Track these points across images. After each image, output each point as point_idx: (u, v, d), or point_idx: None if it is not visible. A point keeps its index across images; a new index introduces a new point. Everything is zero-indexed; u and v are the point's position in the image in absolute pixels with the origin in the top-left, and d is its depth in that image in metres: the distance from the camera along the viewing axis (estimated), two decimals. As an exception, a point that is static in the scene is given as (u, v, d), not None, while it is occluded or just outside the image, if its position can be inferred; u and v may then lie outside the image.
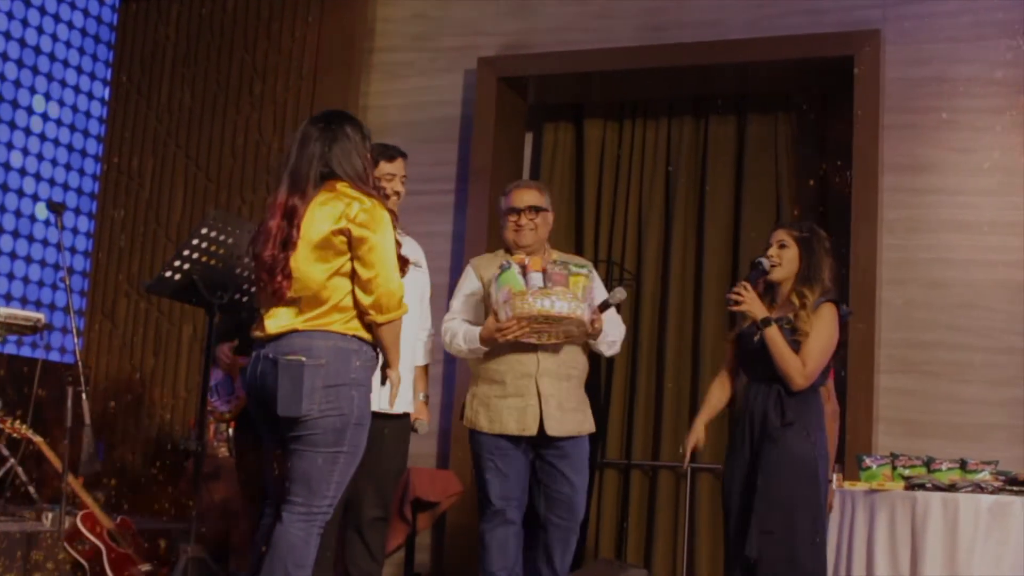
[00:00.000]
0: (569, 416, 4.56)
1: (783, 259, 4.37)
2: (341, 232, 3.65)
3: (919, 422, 5.82)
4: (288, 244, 3.67)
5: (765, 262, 4.39)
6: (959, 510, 4.53)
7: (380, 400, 4.25)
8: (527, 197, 4.73)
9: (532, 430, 4.51)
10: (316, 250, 3.68)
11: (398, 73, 7.17)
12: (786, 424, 4.19)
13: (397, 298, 3.70)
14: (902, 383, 5.90)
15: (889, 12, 6.16)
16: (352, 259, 3.68)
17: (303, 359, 3.62)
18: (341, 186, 3.72)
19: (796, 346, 4.24)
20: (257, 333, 3.79)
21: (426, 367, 4.90)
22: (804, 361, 4.21)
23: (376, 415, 4.47)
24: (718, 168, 6.98)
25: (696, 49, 6.49)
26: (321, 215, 3.67)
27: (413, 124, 6.99)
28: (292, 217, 3.69)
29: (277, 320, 3.73)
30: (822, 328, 4.25)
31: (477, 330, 4.57)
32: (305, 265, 3.68)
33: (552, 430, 4.52)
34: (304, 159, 3.75)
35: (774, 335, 4.23)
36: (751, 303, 4.30)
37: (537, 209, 4.72)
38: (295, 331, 3.69)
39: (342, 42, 7.24)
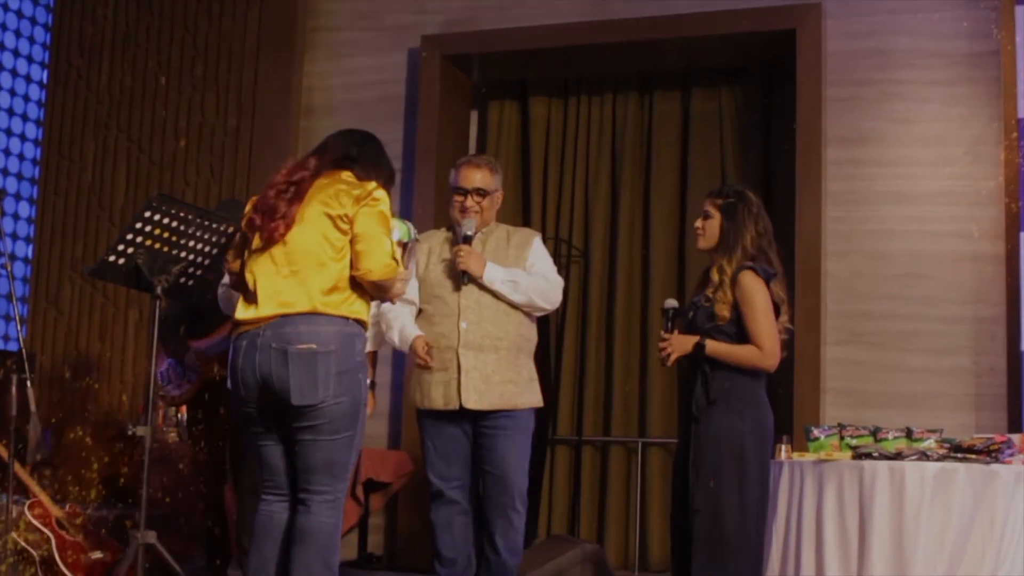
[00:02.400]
0: (496, 389, 4.48)
1: (706, 230, 4.30)
2: (343, 217, 3.73)
3: (866, 392, 5.89)
4: (294, 199, 3.76)
5: (671, 302, 4.39)
6: (905, 478, 4.58)
7: None
8: (475, 178, 4.68)
9: (454, 404, 4.48)
10: (316, 227, 3.74)
11: (341, 52, 7.12)
12: (711, 402, 4.18)
13: (390, 265, 3.78)
14: (848, 354, 5.96)
15: (830, -15, 6.19)
16: (351, 238, 3.75)
17: (315, 347, 3.66)
18: (347, 175, 3.83)
19: (718, 333, 4.19)
20: (248, 315, 3.76)
21: (374, 353, 4.87)
22: (758, 344, 4.15)
23: None
24: (664, 143, 7.00)
25: (640, 24, 6.49)
26: (326, 195, 3.76)
27: (357, 103, 6.95)
28: (300, 184, 3.79)
29: (272, 301, 3.74)
30: (753, 302, 4.16)
31: (413, 335, 4.56)
32: (302, 237, 3.74)
33: (471, 403, 4.46)
34: (333, 140, 3.96)
35: (715, 348, 4.16)
36: (677, 347, 4.26)
37: (484, 192, 4.68)
38: (297, 314, 3.71)
39: (284, 22, 7.18)
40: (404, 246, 4.01)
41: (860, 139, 6.07)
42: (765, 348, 4.16)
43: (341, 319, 3.73)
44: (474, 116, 7.35)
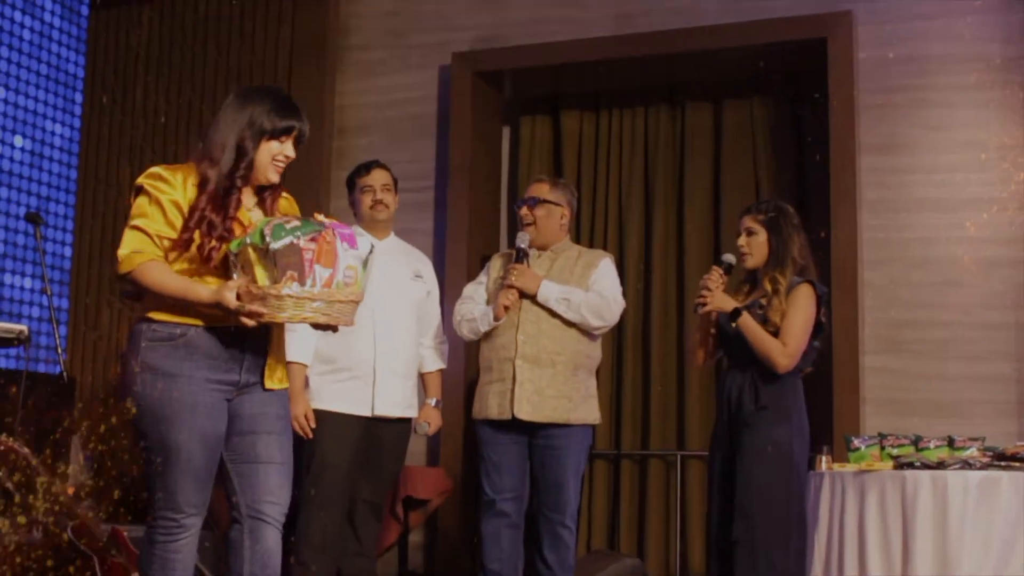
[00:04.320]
0: (549, 403, 4.53)
1: (752, 247, 4.36)
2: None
3: (905, 401, 5.84)
4: None
5: (730, 257, 4.41)
6: (948, 488, 4.55)
7: (360, 403, 4.43)
8: (533, 190, 4.78)
9: (507, 414, 4.54)
10: None
11: (372, 71, 7.15)
12: (760, 408, 4.18)
13: (123, 249, 3.34)
14: (887, 363, 5.91)
15: (860, -8, 6.17)
16: None
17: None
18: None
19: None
20: None
21: (439, 372, 5.01)
22: (784, 341, 4.21)
23: (373, 419, 4.61)
24: (696, 155, 6.98)
25: (669, 37, 6.49)
26: None
27: (389, 122, 6.98)
28: None
29: None
30: (798, 308, 4.24)
31: (492, 305, 4.70)
32: None
33: (523, 414, 4.51)
34: None
35: (747, 323, 4.22)
36: (717, 301, 4.30)
37: (536, 200, 4.73)
38: None
39: (315, 41, 7.22)
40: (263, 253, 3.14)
41: (894, 146, 6.04)
42: (788, 346, 4.21)
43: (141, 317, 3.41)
44: (506, 132, 7.36)
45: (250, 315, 3.14)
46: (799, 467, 4.24)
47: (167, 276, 3.27)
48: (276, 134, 3.39)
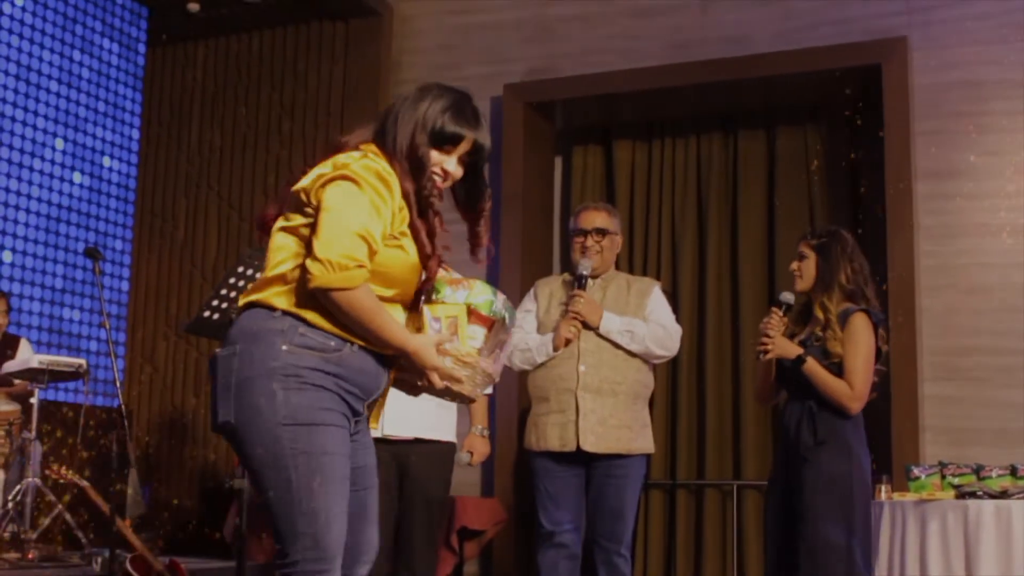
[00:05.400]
0: (612, 433, 4.51)
1: (803, 271, 4.33)
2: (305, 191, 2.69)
3: (966, 429, 5.77)
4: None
5: (788, 296, 4.38)
6: (1012, 517, 4.48)
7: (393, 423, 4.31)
8: (595, 219, 4.76)
9: (571, 445, 4.49)
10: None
11: (425, 104, 7.18)
12: (819, 443, 4.14)
13: (341, 257, 2.54)
14: (946, 390, 5.84)
15: (915, 19, 6.14)
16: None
17: (217, 351, 2.70)
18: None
19: (831, 370, 4.17)
20: None
21: (488, 398, 4.89)
22: (851, 383, 4.13)
23: (397, 441, 4.47)
24: (749, 182, 6.96)
25: (722, 65, 6.49)
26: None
27: (443, 154, 7.00)
28: None
29: None
30: (858, 342, 4.17)
31: (548, 335, 4.62)
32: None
33: (589, 445, 4.48)
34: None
35: (812, 368, 4.16)
36: (779, 347, 4.26)
37: (603, 232, 4.72)
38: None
39: (368, 76, 7.28)
40: (488, 324, 2.86)
41: (950, 172, 5.99)
42: (855, 388, 4.14)
43: (266, 310, 2.65)
44: (558, 162, 7.38)
45: (450, 379, 2.72)
46: (860, 501, 4.17)
47: (377, 305, 2.63)
48: (442, 141, 2.75)
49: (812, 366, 4.16)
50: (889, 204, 6.03)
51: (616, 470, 4.53)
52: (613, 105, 7.00)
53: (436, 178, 2.73)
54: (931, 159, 6.02)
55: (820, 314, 4.24)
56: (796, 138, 6.89)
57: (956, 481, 4.85)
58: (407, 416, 4.40)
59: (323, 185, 2.65)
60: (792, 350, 4.21)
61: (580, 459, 4.52)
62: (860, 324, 4.19)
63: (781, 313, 4.32)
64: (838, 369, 4.16)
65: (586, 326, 4.57)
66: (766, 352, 4.27)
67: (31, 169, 7.00)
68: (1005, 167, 5.91)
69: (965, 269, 5.91)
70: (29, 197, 6.98)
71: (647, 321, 4.61)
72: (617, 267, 5.05)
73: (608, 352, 4.56)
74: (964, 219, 5.95)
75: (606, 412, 4.51)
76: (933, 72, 6.06)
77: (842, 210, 6.65)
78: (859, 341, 4.17)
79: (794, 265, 4.37)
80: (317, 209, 2.63)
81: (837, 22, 6.27)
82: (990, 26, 6.00)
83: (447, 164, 2.75)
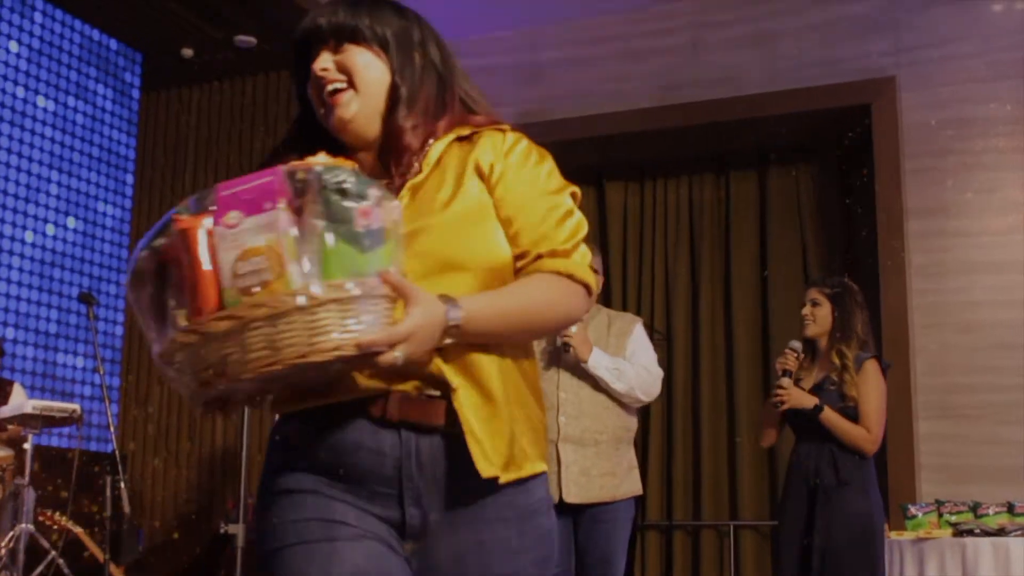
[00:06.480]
0: (596, 482, 4.46)
1: (816, 317, 4.52)
2: None
3: (962, 467, 5.76)
4: None
5: (797, 344, 4.54)
6: (1010, 554, 4.48)
7: None
8: None
9: (555, 498, 4.45)
10: None
11: (419, 147, 7.21)
12: (842, 483, 4.25)
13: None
14: (942, 428, 5.84)
15: (903, 58, 6.19)
16: None
17: None
18: None
19: (847, 412, 4.33)
20: None
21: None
22: (868, 427, 4.32)
23: None
24: (742, 222, 6.99)
25: (712, 106, 6.53)
26: None
27: (436, 196, 7.02)
28: None
29: None
30: (873, 388, 4.36)
31: None
32: None
33: (571, 496, 4.42)
34: None
35: (830, 417, 4.34)
36: (795, 399, 4.38)
37: (595, 270, 4.69)
38: None
39: (361, 119, 7.30)
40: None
41: (942, 210, 6.02)
42: (872, 433, 4.33)
43: None
44: (550, 203, 7.39)
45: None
46: (879, 537, 4.30)
47: None
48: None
49: (829, 415, 4.33)
50: (881, 243, 6.06)
51: (603, 515, 4.48)
52: (605, 147, 7.03)
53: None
54: (922, 197, 6.05)
55: (836, 360, 4.44)
56: (787, 178, 6.93)
57: (953, 519, 4.85)
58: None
59: None
60: (807, 400, 4.37)
61: (566, 510, 4.47)
62: (873, 370, 4.40)
63: (797, 354, 4.47)
64: (853, 412, 4.32)
65: (566, 369, 4.51)
66: (782, 403, 4.38)
67: (25, 214, 7.01)
68: (995, 204, 5.94)
69: (958, 307, 5.92)
70: (23, 242, 6.98)
71: (631, 362, 4.59)
72: (609, 305, 5.03)
73: (588, 402, 4.51)
74: (956, 256, 5.97)
75: (588, 463, 4.45)
76: (922, 110, 6.11)
77: (834, 249, 6.67)
78: (874, 387, 4.38)
79: (806, 310, 4.53)
80: None
81: (826, 63, 6.32)
82: (977, 65, 6.05)
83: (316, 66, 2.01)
